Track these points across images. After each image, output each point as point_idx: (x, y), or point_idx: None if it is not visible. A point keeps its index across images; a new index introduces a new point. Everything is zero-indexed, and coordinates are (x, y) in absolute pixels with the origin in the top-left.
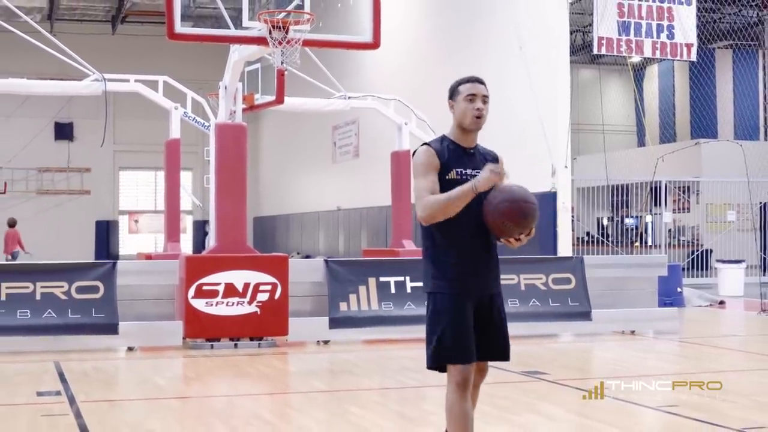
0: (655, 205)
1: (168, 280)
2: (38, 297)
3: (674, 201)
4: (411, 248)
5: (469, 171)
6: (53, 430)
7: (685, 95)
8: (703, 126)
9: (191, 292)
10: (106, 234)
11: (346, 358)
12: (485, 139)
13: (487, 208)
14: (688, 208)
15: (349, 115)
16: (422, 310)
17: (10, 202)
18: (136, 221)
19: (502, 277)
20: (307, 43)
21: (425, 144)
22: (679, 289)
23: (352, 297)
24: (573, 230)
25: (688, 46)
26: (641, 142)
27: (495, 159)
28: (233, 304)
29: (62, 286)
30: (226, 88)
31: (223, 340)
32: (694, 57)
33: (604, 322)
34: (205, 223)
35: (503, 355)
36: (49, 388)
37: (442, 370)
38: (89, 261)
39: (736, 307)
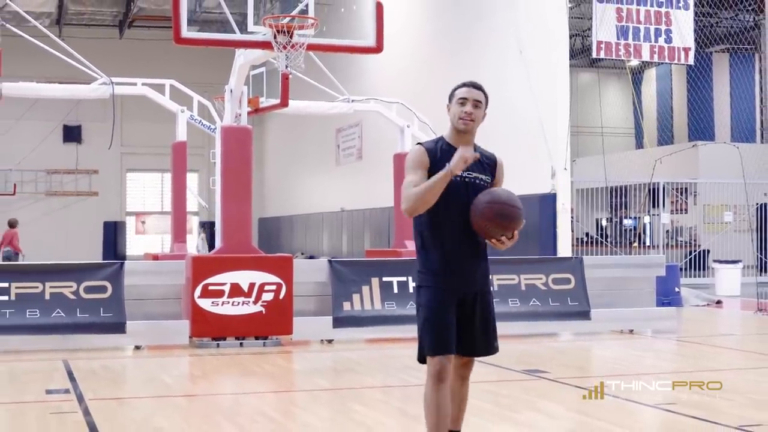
0: (653, 206)
1: (175, 280)
2: (47, 297)
3: (672, 202)
4: (413, 249)
5: (459, 172)
6: (62, 427)
7: (683, 98)
8: (701, 128)
9: (197, 291)
10: (113, 235)
11: (350, 357)
12: (486, 141)
13: (473, 210)
14: (686, 209)
15: (352, 118)
16: None
17: (19, 204)
18: (143, 222)
19: (503, 277)
20: (311, 47)
21: (419, 144)
22: (676, 289)
23: (356, 297)
24: (572, 231)
25: (686, 49)
26: (639, 145)
27: (493, 162)
28: (239, 303)
29: (71, 286)
30: (231, 91)
31: (229, 339)
32: (691, 60)
33: (603, 322)
34: (203, 224)
35: (486, 350)
36: (58, 386)
37: (424, 362)
38: (97, 261)
39: (733, 307)
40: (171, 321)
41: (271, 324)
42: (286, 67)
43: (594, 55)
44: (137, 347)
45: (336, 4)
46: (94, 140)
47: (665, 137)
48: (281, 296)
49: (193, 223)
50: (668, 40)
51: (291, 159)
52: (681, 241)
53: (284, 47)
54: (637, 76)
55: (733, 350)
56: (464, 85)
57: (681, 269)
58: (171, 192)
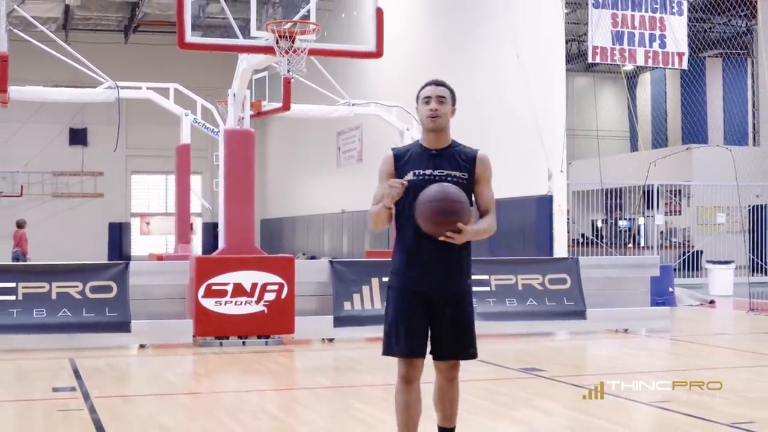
0: (648, 207)
1: (179, 280)
2: (54, 296)
3: (666, 204)
4: None
5: (428, 171)
6: (68, 424)
7: (677, 102)
8: (694, 132)
9: (201, 291)
10: (118, 235)
11: (350, 356)
12: (485, 144)
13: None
14: (680, 211)
15: (353, 121)
16: None
17: (26, 205)
18: (148, 223)
19: (500, 277)
20: (312, 52)
21: (391, 149)
22: (670, 289)
23: (356, 296)
24: (568, 232)
25: (680, 54)
26: (634, 147)
27: (472, 158)
28: (241, 303)
29: (77, 286)
30: (234, 95)
31: (232, 338)
32: (685, 65)
33: (598, 321)
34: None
35: (456, 354)
36: (65, 384)
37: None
38: (103, 262)
39: (726, 307)
40: (175, 320)
41: (273, 323)
42: (288, 71)
43: (590, 59)
44: (142, 346)
45: (337, 9)
46: (99, 143)
47: (659, 140)
48: (283, 296)
49: (196, 224)
50: (662, 45)
51: (293, 161)
52: (675, 242)
53: (286, 52)
54: (631, 80)
55: (726, 349)
56: (426, 84)
57: (675, 270)
58: (175, 194)
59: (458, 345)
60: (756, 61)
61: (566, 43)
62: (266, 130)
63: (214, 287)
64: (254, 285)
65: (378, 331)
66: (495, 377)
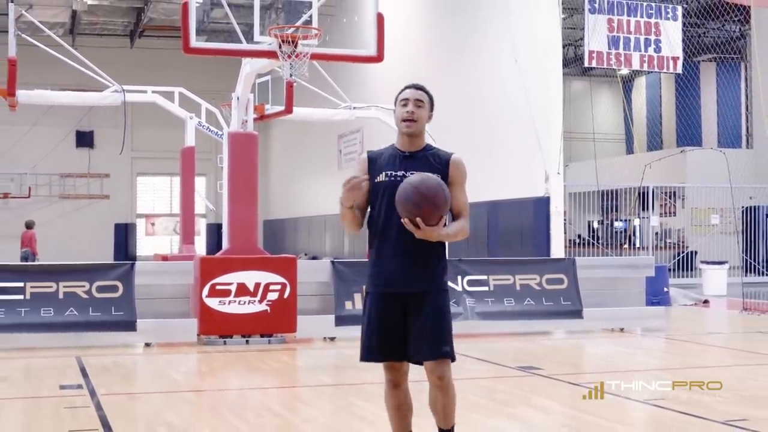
0: (643, 209)
1: (183, 280)
2: (61, 296)
3: (661, 205)
4: None
5: (400, 173)
6: (75, 421)
7: (672, 105)
8: (689, 134)
9: (205, 291)
10: (124, 236)
11: (351, 354)
12: (484, 147)
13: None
14: (674, 212)
15: (354, 124)
16: None
17: (33, 206)
18: (153, 224)
19: (498, 277)
20: (314, 56)
21: (367, 152)
22: (665, 289)
23: (357, 296)
24: (565, 233)
25: (674, 59)
26: (630, 150)
27: (445, 161)
28: (245, 302)
29: (83, 286)
30: (238, 98)
31: (236, 337)
32: (679, 69)
33: (594, 320)
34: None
35: (429, 354)
36: (72, 381)
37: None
38: (109, 262)
39: (720, 306)
40: (180, 319)
41: (276, 322)
42: (291, 75)
43: (586, 63)
44: (147, 344)
45: (339, 15)
46: (105, 145)
47: (654, 143)
48: (285, 296)
49: (200, 225)
50: (657, 49)
51: (295, 163)
52: (669, 242)
53: (289, 56)
54: (627, 84)
55: (720, 348)
56: (407, 87)
57: (669, 270)
58: (180, 195)
59: (431, 345)
60: (749, 65)
61: (563, 47)
62: (269, 133)
63: (218, 287)
64: (257, 285)
65: None
66: (493, 375)
